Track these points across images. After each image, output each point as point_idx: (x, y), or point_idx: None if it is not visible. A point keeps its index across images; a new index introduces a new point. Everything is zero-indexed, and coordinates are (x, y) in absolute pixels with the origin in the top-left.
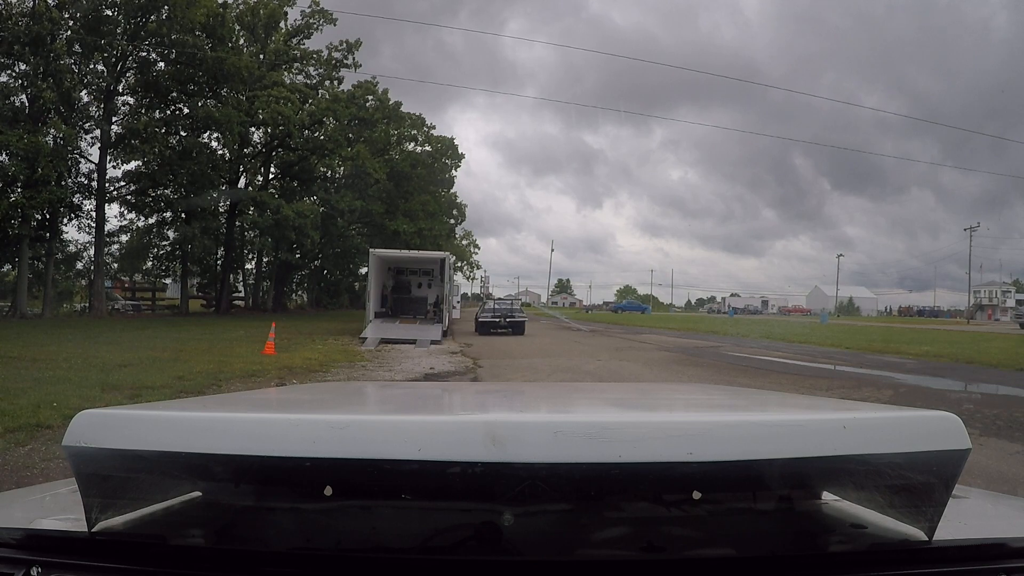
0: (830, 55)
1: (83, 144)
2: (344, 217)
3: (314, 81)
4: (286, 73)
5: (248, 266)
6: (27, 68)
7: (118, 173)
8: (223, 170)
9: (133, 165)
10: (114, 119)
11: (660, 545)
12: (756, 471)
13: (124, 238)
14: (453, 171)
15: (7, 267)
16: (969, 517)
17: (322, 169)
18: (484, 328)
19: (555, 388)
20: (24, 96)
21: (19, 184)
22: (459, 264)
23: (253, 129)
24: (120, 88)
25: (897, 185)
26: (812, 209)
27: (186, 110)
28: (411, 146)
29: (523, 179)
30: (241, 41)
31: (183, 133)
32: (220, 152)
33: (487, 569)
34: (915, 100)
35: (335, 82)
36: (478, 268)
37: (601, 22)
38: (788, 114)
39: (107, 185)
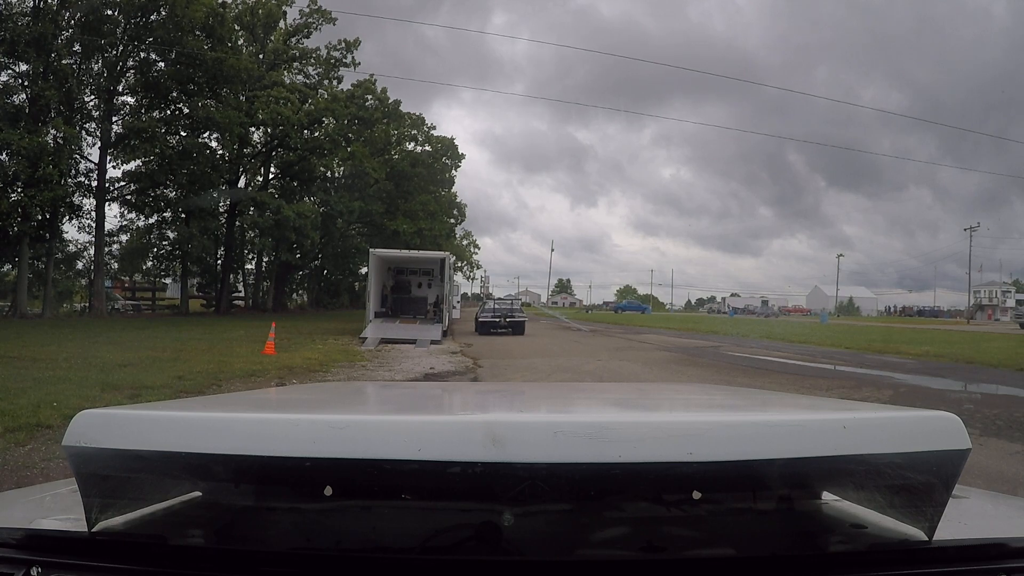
0: (826, 48)
1: (83, 143)
2: (344, 217)
3: (313, 81)
4: (285, 73)
5: (248, 266)
6: (28, 68)
7: (118, 173)
8: (223, 170)
9: (133, 165)
10: (114, 119)
11: (660, 545)
12: (756, 471)
13: (124, 238)
14: (453, 171)
15: (7, 267)
16: (969, 517)
17: (321, 169)
18: (484, 328)
19: (555, 388)
20: (25, 95)
21: (19, 183)
22: (459, 264)
23: (253, 129)
24: (120, 88)
25: (895, 183)
26: (809, 207)
27: (186, 110)
28: (411, 146)
29: (516, 177)
30: (240, 41)
31: (183, 133)
32: (220, 152)
33: (487, 569)
34: (913, 95)
35: (334, 81)
36: (478, 268)
37: (589, 14)
38: (783, 110)
39: (107, 185)
